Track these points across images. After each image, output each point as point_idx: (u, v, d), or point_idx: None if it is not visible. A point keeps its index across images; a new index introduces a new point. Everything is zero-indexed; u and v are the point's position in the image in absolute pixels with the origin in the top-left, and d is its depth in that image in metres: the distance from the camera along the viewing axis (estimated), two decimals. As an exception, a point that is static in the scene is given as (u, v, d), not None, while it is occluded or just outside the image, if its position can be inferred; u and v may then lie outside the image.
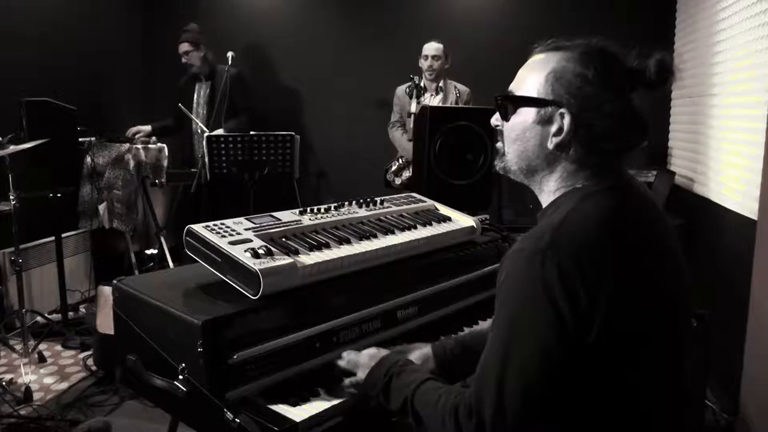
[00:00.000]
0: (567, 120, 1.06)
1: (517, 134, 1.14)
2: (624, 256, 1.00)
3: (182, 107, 4.13)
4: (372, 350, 1.35)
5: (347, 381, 1.33)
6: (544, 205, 1.15)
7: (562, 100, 1.07)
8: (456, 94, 4.03)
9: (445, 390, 1.12)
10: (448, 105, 4.01)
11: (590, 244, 0.98)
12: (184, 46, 4.32)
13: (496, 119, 1.20)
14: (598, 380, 0.98)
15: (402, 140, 4.15)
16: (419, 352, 1.45)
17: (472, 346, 1.43)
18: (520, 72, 1.16)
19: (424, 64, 4.05)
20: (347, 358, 1.35)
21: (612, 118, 1.05)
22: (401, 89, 4.17)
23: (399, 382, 1.21)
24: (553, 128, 1.08)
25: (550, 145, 1.09)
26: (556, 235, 0.98)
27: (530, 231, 1.06)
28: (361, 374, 1.30)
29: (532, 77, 1.12)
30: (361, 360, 1.33)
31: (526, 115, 1.12)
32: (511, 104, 1.15)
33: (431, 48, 4.03)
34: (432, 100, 4.07)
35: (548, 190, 1.14)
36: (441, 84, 4.08)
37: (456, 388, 1.11)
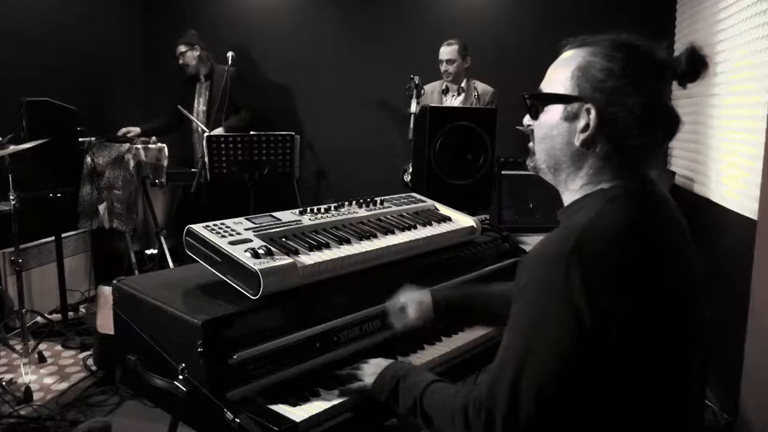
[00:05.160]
0: (593, 115, 1.05)
1: (545, 132, 1.13)
2: (646, 263, 1.00)
3: (181, 108, 4.12)
4: (377, 359, 1.37)
5: (354, 386, 1.33)
6: (566, 203, 1.14)
7: (588, 95, 1.05)
8: (475, 95, 4.02)
9: (455, 389, 1.13)
10: (468, 105, 3.99)
11: (614, 252, 0.98)
12: (180, 48, 4.35)
13: (527, 119, 1.18)
14: (612, 383, 0.98)
15: None
16: (419, 294, 1.56)
17: (474, 298, 1.60)
18: (549, 70, 1.15)
19: (441, 69, 4.07)
20: (351, 370, 1.37)
21: (638, 112, 1.03)
22: (431, 86, 4.10)
23: (407, 383, 1.23)
24: (580, 124, 1.07)
25: (577, 142, 1.08)
26: (581, 241, 0.97)
27: (553, 234, 1.05)
28: (368, 380, 1.31)
29: (558, 74, 1.10)
30: (367, 369, 1.34)
31: (554, 113, 1.10)
32: (539, 103, 1.13)
33: (444, 53, 4.05)
34: (453, 100, 4.09)
35: (573, 189, 1.13)
36: (463, 84, 4.09)
37: (466, 388, 1.12)
